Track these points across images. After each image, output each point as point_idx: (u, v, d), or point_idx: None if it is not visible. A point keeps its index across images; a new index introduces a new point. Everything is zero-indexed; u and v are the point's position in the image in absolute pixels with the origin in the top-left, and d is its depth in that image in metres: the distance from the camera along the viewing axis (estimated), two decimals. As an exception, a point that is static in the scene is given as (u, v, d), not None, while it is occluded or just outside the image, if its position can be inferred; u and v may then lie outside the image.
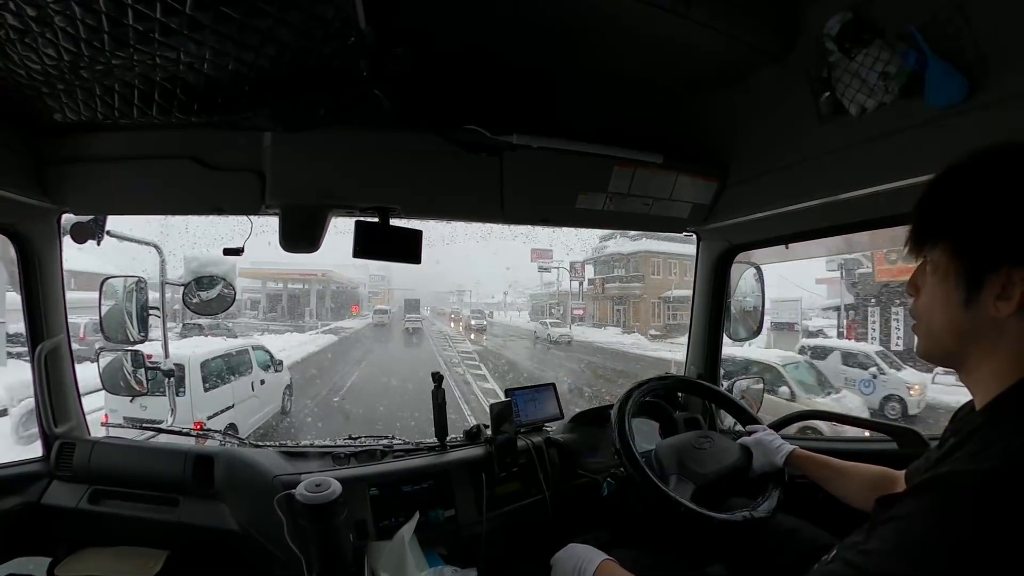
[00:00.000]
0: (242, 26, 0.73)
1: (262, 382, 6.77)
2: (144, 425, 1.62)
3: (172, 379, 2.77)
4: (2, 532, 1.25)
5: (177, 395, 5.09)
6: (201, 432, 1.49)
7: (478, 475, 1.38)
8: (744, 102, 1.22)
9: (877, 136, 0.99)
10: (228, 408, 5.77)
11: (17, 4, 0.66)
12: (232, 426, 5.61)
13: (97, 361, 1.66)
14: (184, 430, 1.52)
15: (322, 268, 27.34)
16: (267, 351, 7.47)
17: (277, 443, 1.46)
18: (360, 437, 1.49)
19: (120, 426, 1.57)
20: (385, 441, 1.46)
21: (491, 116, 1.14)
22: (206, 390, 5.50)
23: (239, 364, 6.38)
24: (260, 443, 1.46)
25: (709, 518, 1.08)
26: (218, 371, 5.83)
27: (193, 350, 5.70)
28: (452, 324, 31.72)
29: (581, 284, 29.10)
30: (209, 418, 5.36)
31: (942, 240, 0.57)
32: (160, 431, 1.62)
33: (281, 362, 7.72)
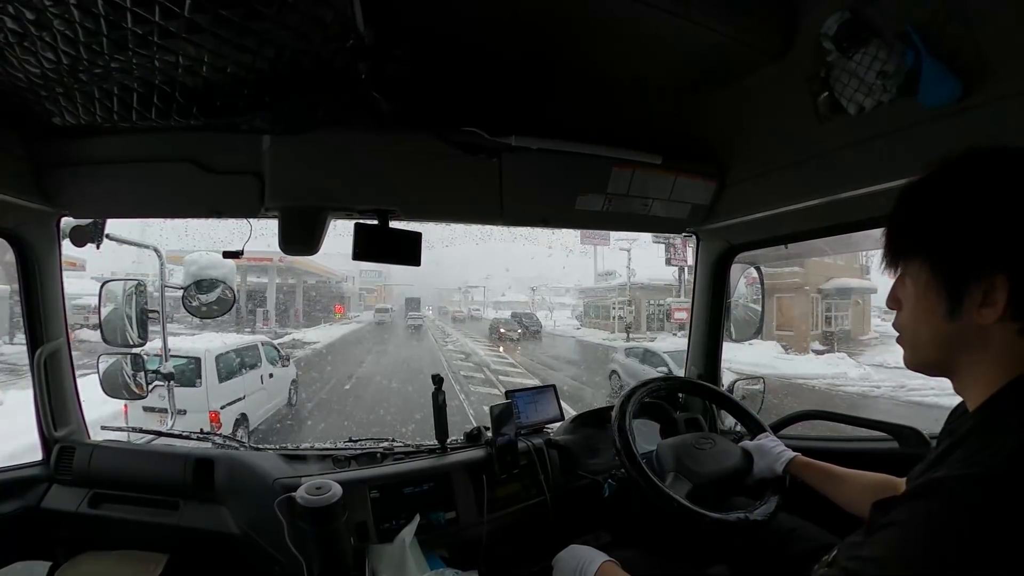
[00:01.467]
0: (241, 29, 0.73)
1: (270, 375, 7.06)
2: (144, 428, 1.62)
3: (172, 382, 2.76)
4: (2, 536, 1.24)
5: (194, 386, 5.40)
6: (201, 435, 1.48)
7: (479, 477, 1.38)
8: (743, 102, 1.22)
9: (876, 135, 0.99)
10: (240, 399, 6.05)
11: (15, 8, 0.66)
12: (243, 416, 5.97)
13: (97, 365, 1.66)
14: (184, 433, 1.52)
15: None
16: (275, 347, 7.75)
17: (277, 446, 1.46)
18: (360, 440, 1.49)
19: (120, 429, 1.56)
20: (385, 443, 1.46)
21: (490, 118, 1.14)
22: (220, 381, 5.77)
23: (249, 358, 6.67)
24: (260, 446, 1.46)
25: (702, 516, 1.07)
26: (230, 364, 6.12)
27: (208, 344, 6.00)
28: (501, 348, 17.43)
29: (682, 271, 17.90)
30: (223, 407, 5.64)
31: (919, 254, 0.57)
32: (160, 434, 1.62)
33: (288, 357, 7.99)
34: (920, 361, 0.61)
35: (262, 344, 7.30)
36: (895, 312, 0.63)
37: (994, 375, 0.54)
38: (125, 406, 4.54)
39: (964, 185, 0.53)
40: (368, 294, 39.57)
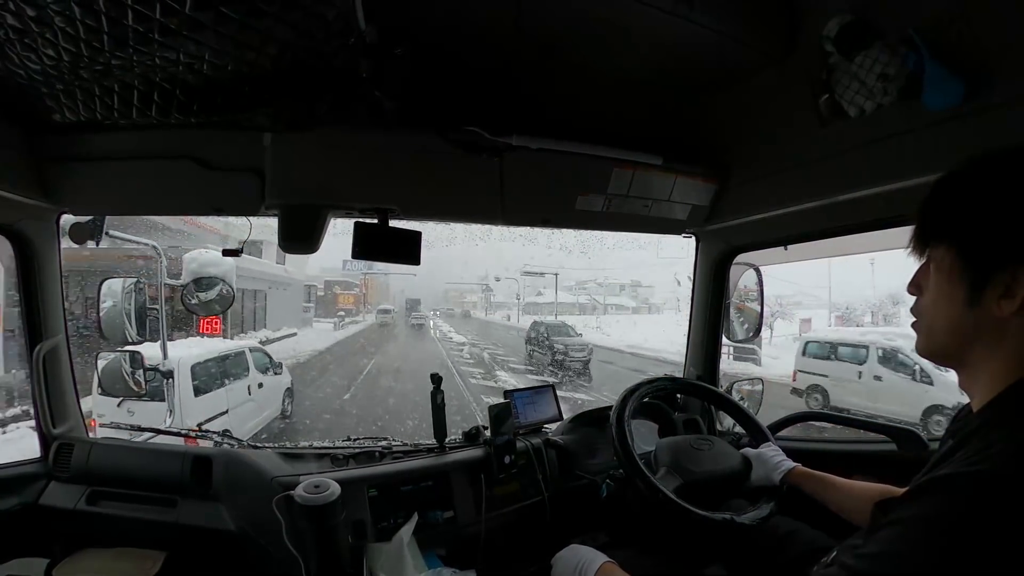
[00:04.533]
0: (242, 26, 0.73)
1: (260, 385, 6.45)
2: (143, 426, 1.62)
3: (172, 380, 2.77)
4: (0, 533, 1.24)
5: (163, 401, 4.70)
6: (200, 433, 1.48)
7: (477, 476, 1.38)
8: (744, 104, 1.22)
9: (876, 138, 0.99)
10: (222, 414, 5.40)
11: (17, 4, 0.66)
12: (226, 432, 5.51)
13: (95, 363, 1.66)
14: (183, 431, 1.52)
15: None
16: (266, 353, 7.15)
17: (275, 444, 1.46)
18: (359, 439, 1.49)
19: (119, 427, 1.56)
20: (384, 442, 1.46)
21: (491, 117, 1.14)
22: (196, 395, 5.12)
23: (234, 367, 6.05)
24: (258, 444, 1.46)
25: (688, 512, 1.07)
26: (210, 375, 5.47)
27: (185, 352, 5.30)
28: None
29: None
30: (200, 425, 5.19)
31: (947, 239, 0.57)
32: (158, 432, 1.62)
33: (281, 364, 7.39)
34: (933, 348, 0.62)
35: (250, 350, 6.58)
36: (915, 298, 0.64)
37: (1004, 371, 0.54)
38: (92, 420, 4.23)
39: (1000, 177, 0.54)
40: (344, 291, 28.40)
